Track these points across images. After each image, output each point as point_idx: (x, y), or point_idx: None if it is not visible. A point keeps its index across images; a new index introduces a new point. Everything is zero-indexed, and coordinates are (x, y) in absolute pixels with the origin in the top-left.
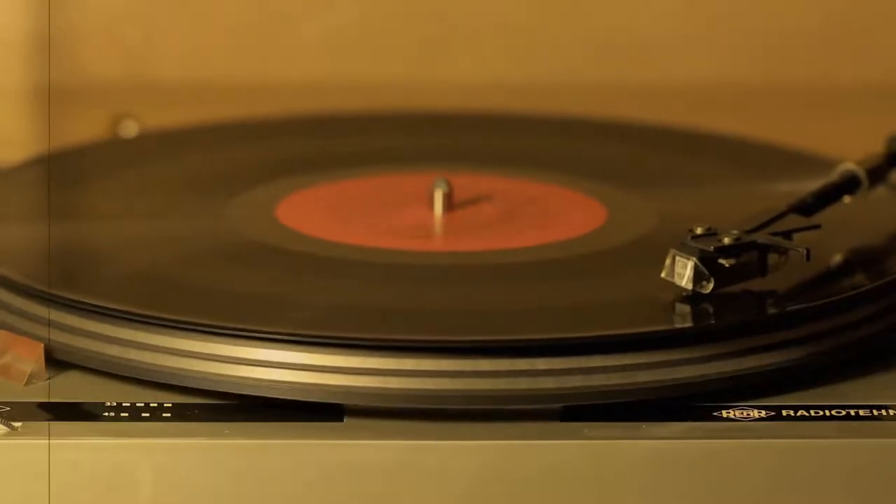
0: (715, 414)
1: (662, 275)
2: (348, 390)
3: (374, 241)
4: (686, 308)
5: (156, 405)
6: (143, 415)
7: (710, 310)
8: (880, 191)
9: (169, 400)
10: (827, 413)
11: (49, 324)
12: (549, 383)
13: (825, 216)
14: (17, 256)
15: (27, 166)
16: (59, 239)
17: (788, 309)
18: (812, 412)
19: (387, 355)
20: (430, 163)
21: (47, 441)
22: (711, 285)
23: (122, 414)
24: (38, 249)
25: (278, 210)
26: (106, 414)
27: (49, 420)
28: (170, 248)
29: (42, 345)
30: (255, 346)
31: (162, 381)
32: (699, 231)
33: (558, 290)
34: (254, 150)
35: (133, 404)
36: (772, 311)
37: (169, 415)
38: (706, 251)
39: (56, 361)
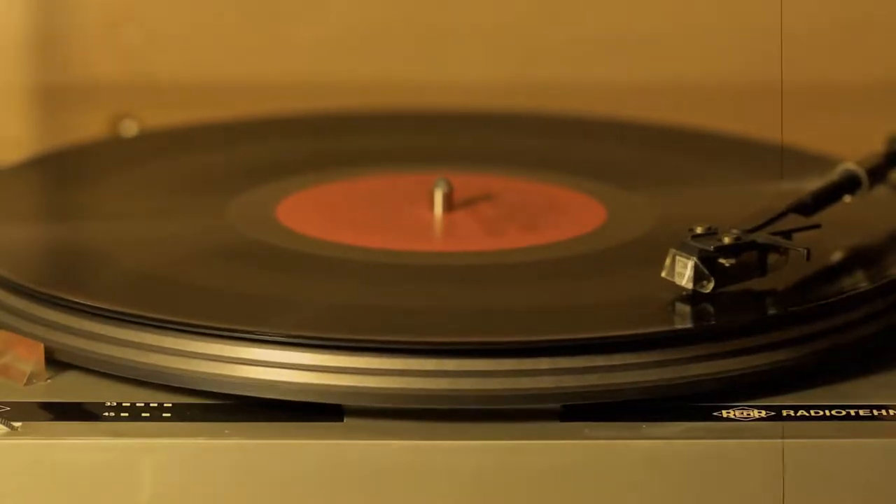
0: (715, 414)
1: (663, 274)
2: (348, 390)
3: (374, 241)
4: (686, 308)
5: (156, 405)
6: (143, 415)
7: (711, 309)
8: (880, 191)
9: (169, 400)
10: (827, 413)
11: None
12: (549, 383)
13: (825, 216)
14: (17, 256)
15: (27, 166)
16: (59, 239)
17: (788, 309)
18: (812, 412)
19: (386, 356)
20: (430, 163)
21: (48, 441)
22: (711, 285)
23: (122, 414)
24: (37, 249)
25: (278, 210)
26: (106, 414)
27: (49, 420)
28: (170, 248)
29: (42, 345)
30: (255, 347)
31: (162, 382)
32: (699, 230)
33: (558, 290)
34: (254, 150)
35: (133, 404)
36: (772, 310)
37: (169, 415)
38: (706, 251)
39: (56, 361)
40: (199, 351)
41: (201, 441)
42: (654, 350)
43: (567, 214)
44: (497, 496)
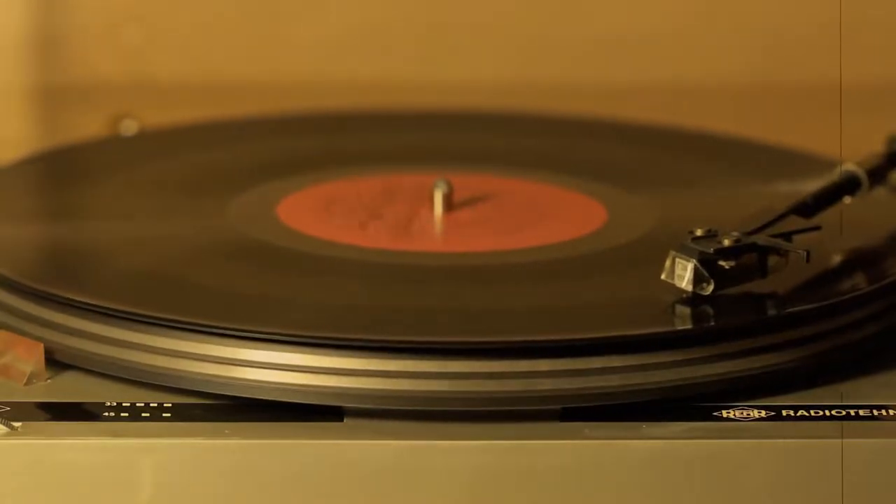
0: (715, 414)
1: (662, 276)
2: (347, 392)
3: (374, 241)
4: (686, 309)
5: (156, 405)
6: (143, 415)
7: (710, 311)
8: (880, 191)
9: (169, 400)
10: (827, 413)
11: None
12: (548, 384)
13: (825, 217)
14: (16, 255)
15: (26, 165)
16: (59, 238)
17: (788, 310)
18: (812, 412)
19: (386, 356)
20: (430, 163)
21: (48, 441)
22: (711, 287)
23: (122, 414)
24: (37, 248)
25: (279, 209)
26: (106, 414)
27: (49, 420)
28: (169, 247)
29: (42, 345)
30: (255, 347)
31: (161, 384)
32: (699, 233)
33: (558, 290)
34: (254, 150)
35: (133, 404)
36: (772, 312)
37: (169, 415)
38: (706, 253)
39: (56, 361)
40: (200, 352)
41: (201, 441)
42: (654, 351)
43: (567, 215)
44: (497, 496)
